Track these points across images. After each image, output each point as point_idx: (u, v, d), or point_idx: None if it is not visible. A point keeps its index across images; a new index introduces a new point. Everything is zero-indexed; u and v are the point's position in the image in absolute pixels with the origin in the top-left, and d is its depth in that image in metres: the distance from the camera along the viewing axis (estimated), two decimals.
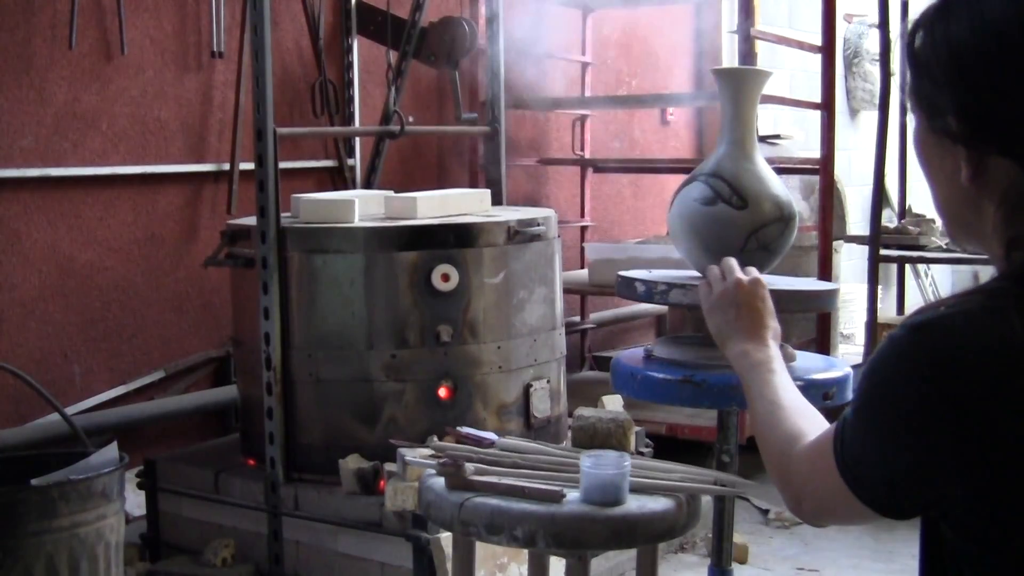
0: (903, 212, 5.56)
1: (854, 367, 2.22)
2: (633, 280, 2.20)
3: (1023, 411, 1.02)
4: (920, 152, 1.17)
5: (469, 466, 1.99)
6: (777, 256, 2.22)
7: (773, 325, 1.63)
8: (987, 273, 1.13)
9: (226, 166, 3.85)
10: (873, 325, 4.67)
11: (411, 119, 4.00)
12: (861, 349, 5.03)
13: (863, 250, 5.13)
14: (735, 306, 1.64)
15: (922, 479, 1.07)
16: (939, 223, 4.96)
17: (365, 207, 3.24)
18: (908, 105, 1.17)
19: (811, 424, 1.32)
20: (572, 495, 1.94)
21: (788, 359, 2.44)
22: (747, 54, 4.15)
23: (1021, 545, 1.05)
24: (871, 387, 1.10)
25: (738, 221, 2.13)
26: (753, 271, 1.75)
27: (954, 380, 1.03)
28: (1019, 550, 1.05)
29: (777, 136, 5.53)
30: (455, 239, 3.07)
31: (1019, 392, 1.02)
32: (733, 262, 1.77)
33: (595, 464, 1.93)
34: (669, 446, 3.93)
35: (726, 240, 2.13)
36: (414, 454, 2.35)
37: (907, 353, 1.06)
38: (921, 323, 1.06)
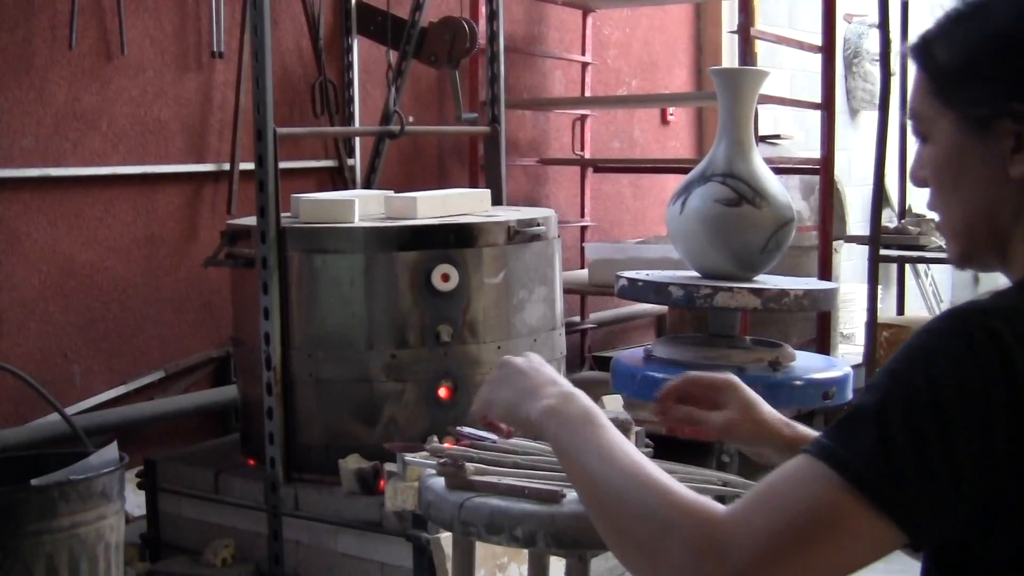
0: (903, 212, 5.56)
1: (854, 367, 2.22)
2: (668, 285, 2.19)
3: None
4: (950, 166, 1.15)
5: (469, 466, 1.99)
6: (782, 254, 2.23)
7: (564, 381, 1.41)
8: (986, 275, 1.14)
9: (226, 166, 3.85)
10: (873, 325, 4.67)
11: (411, 119, 4.00)
12: (861, 349, 5.03)
13: (863, 250, 5.12)
14: (519, 372, 1.40)
15: (974, 469, 0.98)
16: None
17: (365, 207, 3.24)
18: (920, 124, 1.16)
19: (676, 483, 1.08)
20: (572, 495, 1.93)
21: (788, 359, 2.44)
22: (747, 54, 4.15)
23: None
24: (906, 372, 1.01)
25: (762, 222, 2.13)
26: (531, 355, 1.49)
27: (1005, 365, 0.98)
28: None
29: (777, 136, 5.53)
30: (455, 239, 3.08)
31: None
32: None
33: None
34: (669, 446, 3.92)
35: (750, 241, 2.13)
36: (414, 454, 2.35)
37: (954, 337, 1.01)
38: (963, 311, 1.03)
